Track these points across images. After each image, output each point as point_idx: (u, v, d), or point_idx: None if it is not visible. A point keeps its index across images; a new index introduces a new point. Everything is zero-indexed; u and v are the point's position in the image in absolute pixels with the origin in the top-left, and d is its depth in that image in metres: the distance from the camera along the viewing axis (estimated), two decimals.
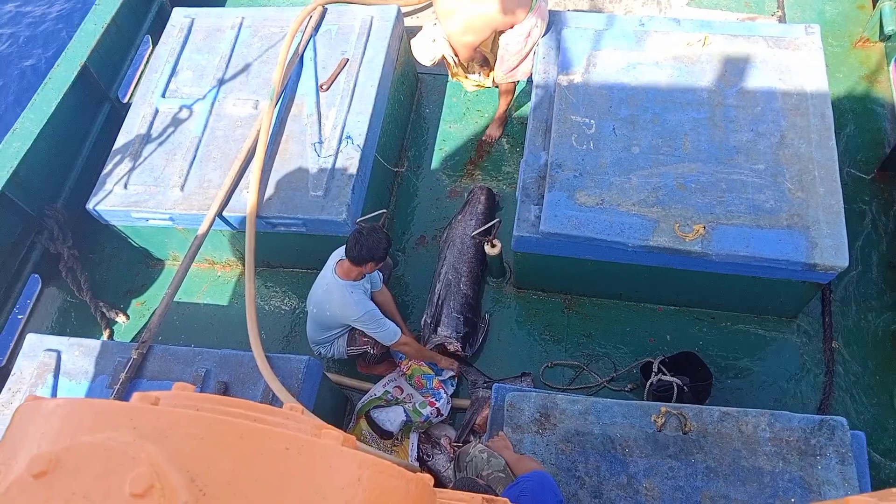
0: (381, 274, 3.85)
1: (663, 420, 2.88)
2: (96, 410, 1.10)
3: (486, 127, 4.89)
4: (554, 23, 4.22)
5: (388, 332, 3.47)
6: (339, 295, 3.42)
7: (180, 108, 4.29)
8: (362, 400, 3.74)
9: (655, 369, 3.63)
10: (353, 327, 3.64)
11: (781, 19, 5.08)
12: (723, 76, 3.89)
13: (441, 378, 3.77)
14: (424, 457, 3.60)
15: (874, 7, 4.82)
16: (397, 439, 3.57)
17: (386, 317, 3.57)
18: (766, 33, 4.02)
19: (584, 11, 5.27)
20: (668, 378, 3.56)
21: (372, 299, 3.70)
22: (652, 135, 3.75)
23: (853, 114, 4.64)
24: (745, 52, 3.95)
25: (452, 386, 3.84)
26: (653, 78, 3.93)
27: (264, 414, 1.18)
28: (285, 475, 1.08)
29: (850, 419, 2.92)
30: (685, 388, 3.53)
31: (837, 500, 1.41)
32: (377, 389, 3.75)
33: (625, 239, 3.44)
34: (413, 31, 5.25)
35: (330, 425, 1.23)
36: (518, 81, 4.50)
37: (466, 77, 4.59)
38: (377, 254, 3.27)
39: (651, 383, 3.59)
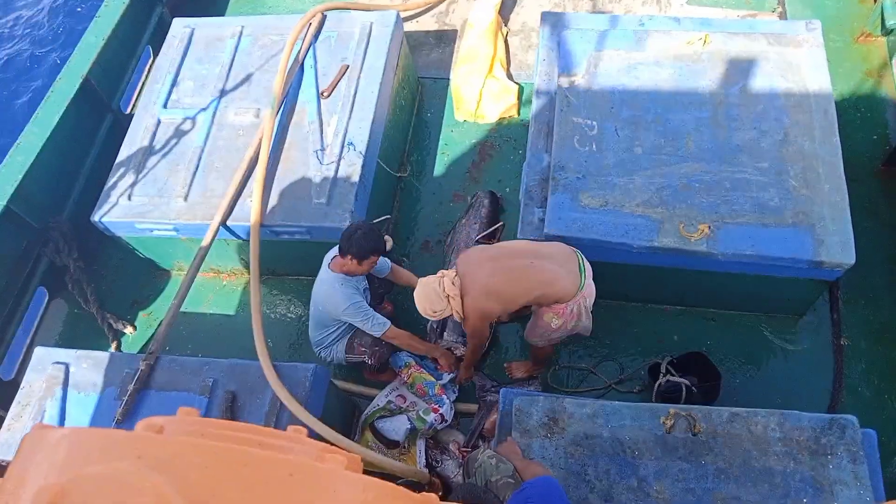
0: (388, 261, 3.77)
1: (672, 422, 2.87)
2: (102, 440, 1.11)
3: (489, 130, 4.89)
4: (554, 24, 4.21)
5: (377, 324, 3.51)
6: (328, 287, 3.50)
7: (182, 119, 4.30)
8: (366, 411, 3.73)
9: (663, 370, 3.62)
10: (351, 333, 3.66)
11: (782, 16, 5.06)
12: (724, 74, 3.88)
13: (442, 383, 3.75)
14: (433, 462, 3.59)
15: (875, 1, 4.80)
16: (404, 447, 3.57)
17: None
18: (766, 30, 4.01)
19: (584, 13, 5.27)
20: (676, 379, 3.54)
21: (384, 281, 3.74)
22: (654, 135, 3.73)
23: (856, 109, 4.61)
24: (747, 50, 3.93)
25: (455, 392, 3.83)
26: (654, 78, 3.92)
27: (268, 438, 1.19)
28: (290, 502, 1.09)
29: (861, 417, 2.89)
30: (694, 388, 3.52)
31: None
32: (380, 400, 3.75)
33: (629, 240, 3.43)
34: (412, 36, 5.26)
35: (335, 447, 1.23)
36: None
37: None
38: (360, 252, 3.31)
39: (659, 384, 3.58)
